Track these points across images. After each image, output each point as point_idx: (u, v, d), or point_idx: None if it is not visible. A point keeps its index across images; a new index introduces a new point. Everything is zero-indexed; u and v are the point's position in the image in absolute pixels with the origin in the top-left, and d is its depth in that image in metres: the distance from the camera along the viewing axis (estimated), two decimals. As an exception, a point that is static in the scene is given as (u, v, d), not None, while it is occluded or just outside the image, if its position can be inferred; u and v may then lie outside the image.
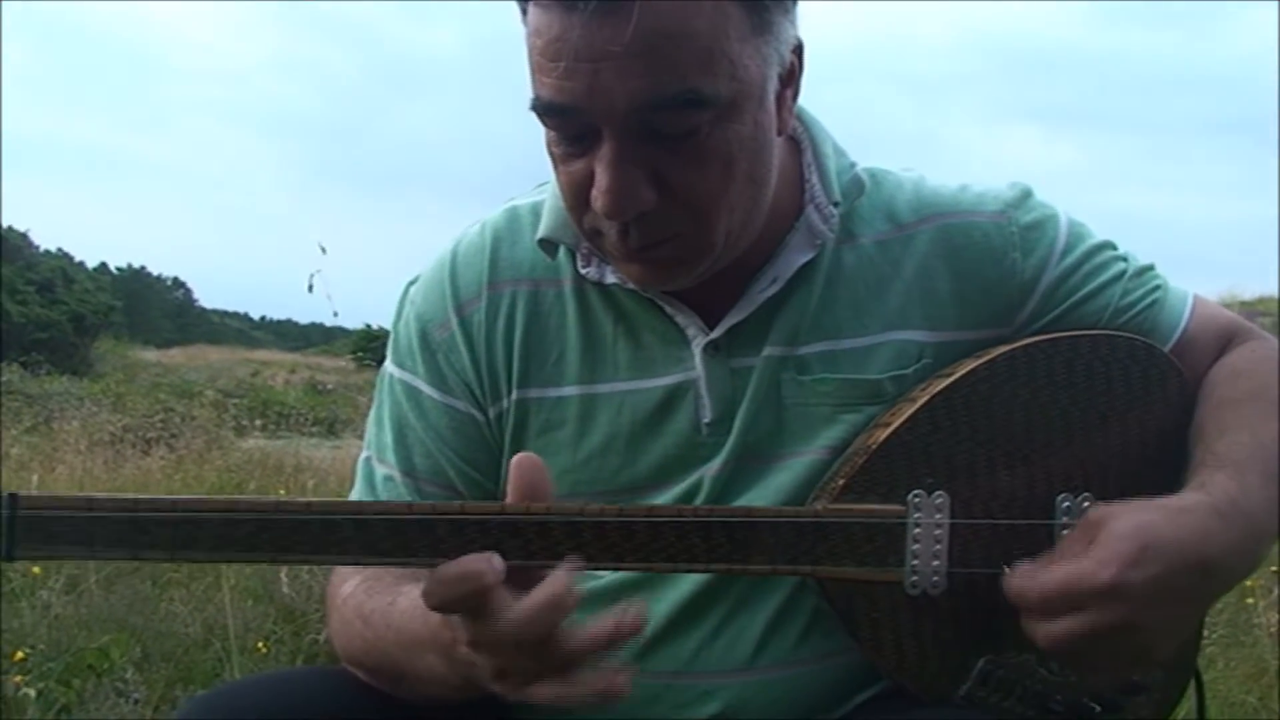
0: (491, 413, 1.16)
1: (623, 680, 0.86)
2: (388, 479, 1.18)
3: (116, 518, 0.89)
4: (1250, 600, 3.31)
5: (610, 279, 1.12)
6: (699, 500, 1.10)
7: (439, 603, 0.87)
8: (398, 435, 1.18)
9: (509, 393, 1.15)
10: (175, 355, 26.23)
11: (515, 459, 0.92)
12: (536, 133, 1.04)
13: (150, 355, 24.79)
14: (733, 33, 0.96)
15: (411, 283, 1.22)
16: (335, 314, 4.10)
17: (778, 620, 1.10)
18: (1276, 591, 3.39)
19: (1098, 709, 1.11)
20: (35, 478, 5.72)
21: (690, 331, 1.12)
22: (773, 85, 1.02)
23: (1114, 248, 1.20)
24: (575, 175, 1.02)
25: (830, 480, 1.08)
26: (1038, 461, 1.08)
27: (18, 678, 2.76)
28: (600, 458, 1.13)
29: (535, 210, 1.16)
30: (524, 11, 0.99)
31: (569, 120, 0.99)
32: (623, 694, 0.86)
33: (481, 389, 1.16)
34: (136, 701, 2.73)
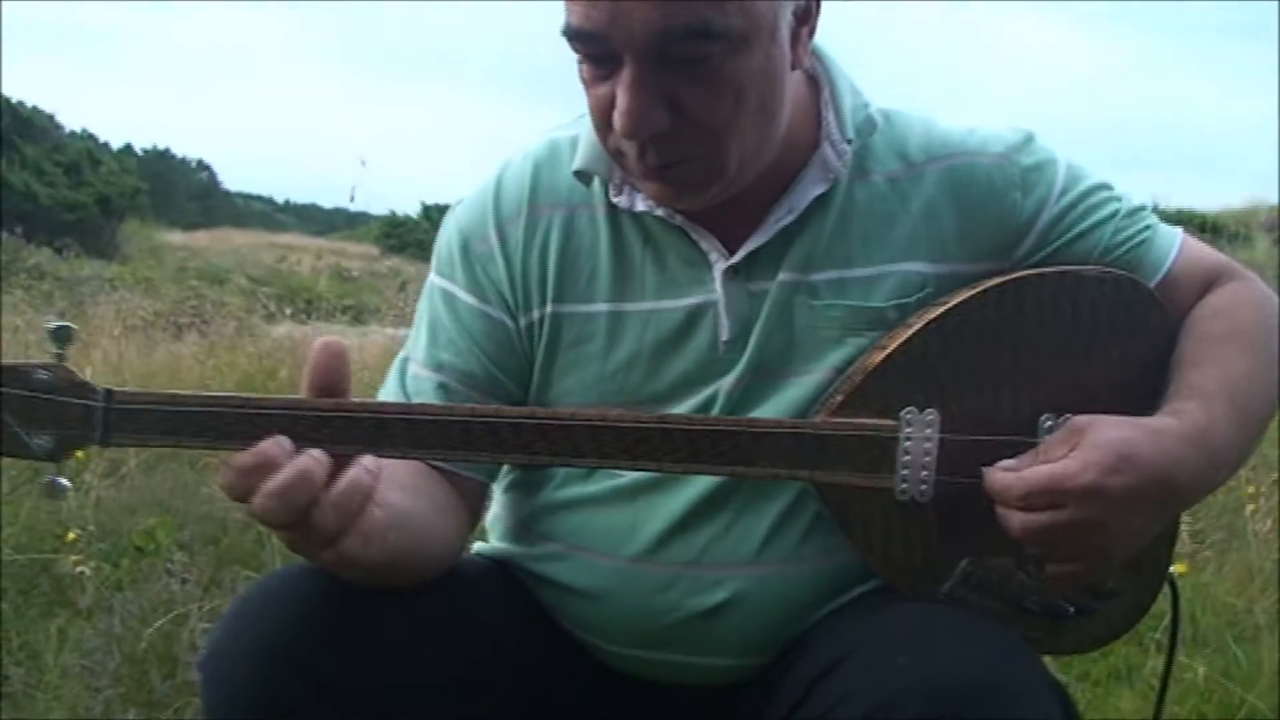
0: (522, 322, 1.26)
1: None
2: (415, 376, 1.27)
3: (198, 412, 1.03)
4: (1253, 508, 3.38)
5: (640, 206, 1.21)
6: (714, 411, 1.20)
7: (238, 494, 0.98)
8: (431, 335, 1.28)
9: (542, 305, 1.24)
10: (201, 238, 25.97)
11: (317, 342, 1.03)
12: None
13: (176, 238, 24.54)
14: None
15: (457, 204, 1.31)
16: (351, 197, 4.20)
17: (782, 521, 1.19)
18: (1276, 498, 3.46)
19: (1071, 610, 1.19)
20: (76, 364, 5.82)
21: (712, 256, 1.21)
22: (786, 21, 1.10)
23: (1109, 188, 1.27)
24: (601, 98, 1.11)
25: (830, 397, 1.17)
26: (1024, 385, 1.16)
27: (72, 558, 2.84)
28: (626, 371, 1.23)
29: (573, 143, 1.25)
30: None
31: (594, 45, 1.08)
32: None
33: (515, 298, 1.25)
34: (185, 581, 2.80)
